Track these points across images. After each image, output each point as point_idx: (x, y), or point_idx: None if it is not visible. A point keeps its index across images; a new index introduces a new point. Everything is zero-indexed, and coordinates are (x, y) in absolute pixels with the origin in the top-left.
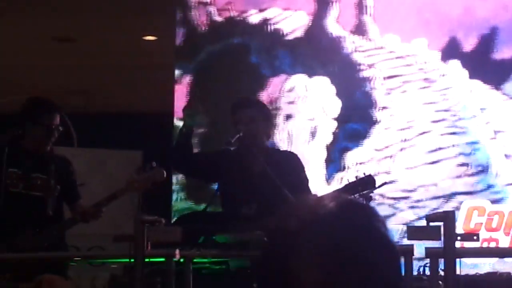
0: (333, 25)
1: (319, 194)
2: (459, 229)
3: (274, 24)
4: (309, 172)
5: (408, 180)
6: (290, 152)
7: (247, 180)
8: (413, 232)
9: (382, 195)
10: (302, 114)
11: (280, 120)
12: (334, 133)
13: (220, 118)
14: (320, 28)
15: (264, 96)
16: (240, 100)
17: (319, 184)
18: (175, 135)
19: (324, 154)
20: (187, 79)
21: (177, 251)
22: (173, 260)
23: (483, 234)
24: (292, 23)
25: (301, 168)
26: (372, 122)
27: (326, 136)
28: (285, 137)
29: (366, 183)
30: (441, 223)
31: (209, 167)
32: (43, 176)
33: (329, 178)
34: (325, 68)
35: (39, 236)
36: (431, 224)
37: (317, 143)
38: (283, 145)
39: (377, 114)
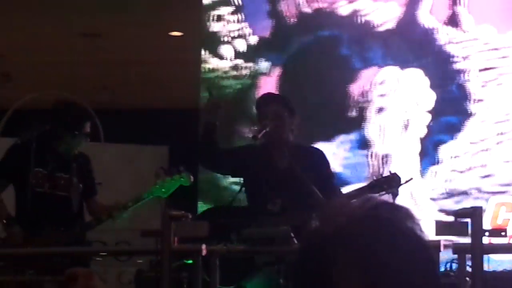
0: (426, 16)
1: (345, 191)
2: (487, 225)
3: (364, 15)
4: (403, 166)
5: (505, 174)
6: (315, 148)
7: (272, 175)
8: (441, 227)
9: (478, 190)
10: (394, 107)
11: (371, 113)
12: (428, 126)
13: (310, 111)
14: (412, 19)
15: (355, 89)
16: (265, 96)
17: (414, 178)
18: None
19: (418, 147)
20: (276, 71)
21: (204, 246)
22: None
23: (511, 230)
24: (383, 14)
25: (327, 164)
26: (467, 115)
27: (419, 129)
28: (377, 130)
29: (392, 181)
30: (468, 219)
31: (234, 163)
32: (66, 175)
33: (423, 171)
34: (418, 60)
35: (63, 234)
36: (459, 220)
37: (410, 136)
38: (374, 138)
39: (472, 106)
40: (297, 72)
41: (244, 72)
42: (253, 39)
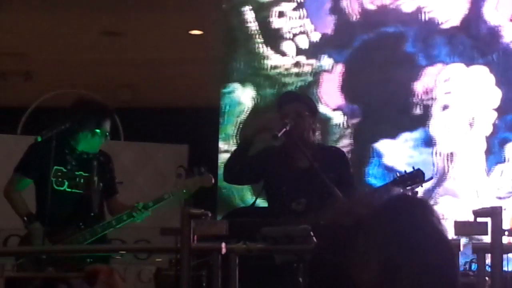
0: (492, 12)
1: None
2: (506, 224)
3: (429, 12)
4: (468, 164)
5: None
6: (336, 148)
7: (293, 175)
8: (461, 227)
9: None
10: (459, 104)
11: (436, 110)
12: (493, 124)
13: (373, 108)
14: (477, 16)
15: (419, 86)
16: (286, 94)
17: (479, 177)
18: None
19: (483, 145)
20: (338, 68)
21: (223, 245)
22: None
23: None
24: (448, 11)
25: (347, 164)
26: None
27: (485, 127)
28: (441, 128)
29: (415, 177)
30: (488, 218)
31: (256, 170)
32: (86, 174)
33: (489, 170)
34: (483, 57)
35: (84, 233)
36: (478, 219)
37: (476, 134)
38: (439, 136)
39: None
40: (360, 69)
41: (306, 69)
42: (315, 36)
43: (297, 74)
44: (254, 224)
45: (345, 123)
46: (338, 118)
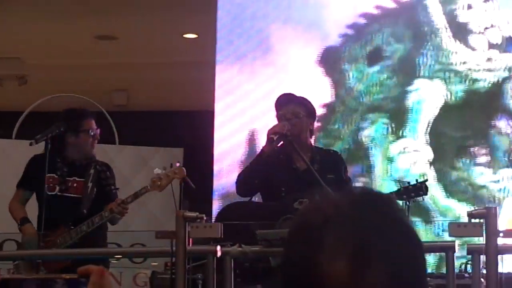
0: None
1: None
2: (502, 226)
3: None
4: None
5: None
6: (334, 150)
7: (294, 175)
8: (455, 228)
9: None
10: None
11: None
12: None
13: None
14: None
15: None
16: (284, 96)
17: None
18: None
19: None
20: None
21: (219, 248)
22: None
23: None
24: None
25: (344, 167)
26: None
27: None
28: None
29: (419, 190)
30: (483, 220)
31: (262, 176)
32: (80, 179)
33: None
34: None
35: (70, 232)
36: (473, 220)
37: None
38: None
39: None
40: None
41: (499, 64)
42: (509, 29)
43: (489, 70)
44: (253, 225)
45: None
46: None
